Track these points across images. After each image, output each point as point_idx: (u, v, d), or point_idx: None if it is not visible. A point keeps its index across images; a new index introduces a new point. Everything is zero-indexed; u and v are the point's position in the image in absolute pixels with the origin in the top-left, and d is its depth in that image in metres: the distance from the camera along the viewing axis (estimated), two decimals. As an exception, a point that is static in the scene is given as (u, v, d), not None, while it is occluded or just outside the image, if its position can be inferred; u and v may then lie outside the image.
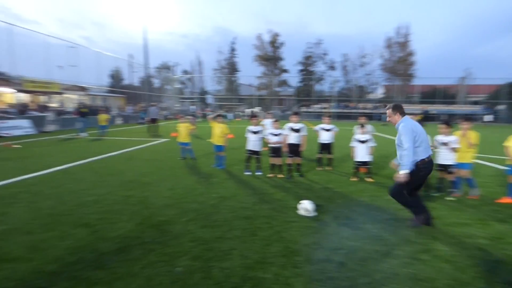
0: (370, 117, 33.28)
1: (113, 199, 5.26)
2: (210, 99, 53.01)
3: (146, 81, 39.92)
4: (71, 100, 30.92)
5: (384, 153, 10.23)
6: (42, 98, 27.52)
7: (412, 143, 3.93)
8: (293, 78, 49.96)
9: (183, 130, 9.04)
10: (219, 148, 7.90)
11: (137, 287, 2.80)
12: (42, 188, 5.90)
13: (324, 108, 40.95)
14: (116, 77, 49.46)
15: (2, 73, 29.28)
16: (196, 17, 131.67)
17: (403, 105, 4.36)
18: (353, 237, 3.91)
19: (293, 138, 6.88)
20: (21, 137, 15.15)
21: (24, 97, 25.30)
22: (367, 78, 47.03)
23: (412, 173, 3.98)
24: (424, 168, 4.02)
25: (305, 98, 44.75)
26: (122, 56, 32.72)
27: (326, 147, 7.98)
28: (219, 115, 8.20)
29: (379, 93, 48.92)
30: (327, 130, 7.94)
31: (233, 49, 52.69)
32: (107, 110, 20.08)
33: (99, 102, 34.26)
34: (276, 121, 7.26)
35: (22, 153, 10.08)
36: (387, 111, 4.28)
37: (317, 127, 8.10)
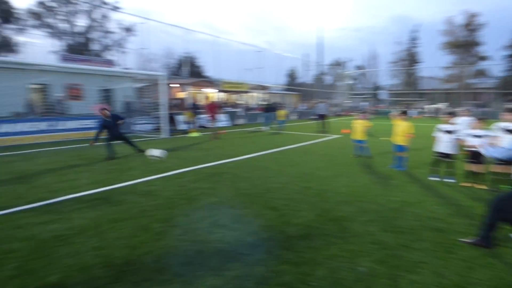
0: None
1: (294, 189, 5.69)
2: (383, 95, 49.66)
3: (319, 78, 41.28)
4: (255, 98, 35.61)
5: None
6: (234, 96, 33.04)
7: None
8: (496, 67, 40.15)
9: (358, 127, 8.80)
10: (400, 148, 7.23)
11: (321, 275, 2.90)
12: (238, 171, 7.06)
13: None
14: (291, 76, 53.51)
15: (208, 77, 36.73)
16: (370, 8, 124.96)
17: None
18: None
19: (507, 142, 5.47)
20: (220, 128, 18.67)
21: (223, 96, 31.01)
22: None
23: None
24: None
25: (512, 92, 35.15)
26: (298, 56, 35.05)
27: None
28: (403, 112, 7.49)
29: None
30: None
31: (414, 38, 47.35)
32: (285, 106, 22.06)
33: (277, 99, 38.07)
34: (479, 119, 5.97)
35: (223, 142, 12.42)
36: None
37: None
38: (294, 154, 9.48)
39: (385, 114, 28.87)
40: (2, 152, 9.47)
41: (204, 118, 19.01)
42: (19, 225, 3.92)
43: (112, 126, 8.44)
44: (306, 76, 47.92)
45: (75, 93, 17.92)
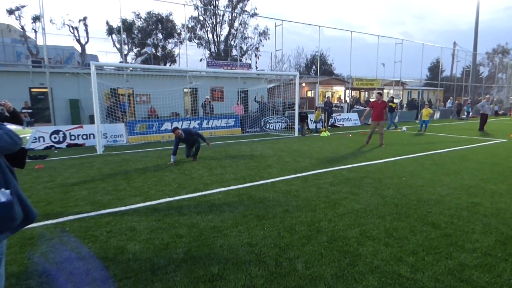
0: None
1: (457, 203, 4.72)
2: None
3: (472, 70, 34.82)
4: (389, 95, 32.64)
5: None
6: (364, 94, 31.13)
7: None
8: None
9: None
10: None
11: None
12: (380, 176, 6.40)
13: None
14: (435, 69, 46.97)
15: (338, 75, 35.73)
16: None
17: None
18: None
19: None
20: (351, 127, 17.78)
21: (353, 94, 29.61)
22: None
23: None
24: None
25: None
26: (443, 46, 30.05)
27: None
28: None
29: None
30: None
31: None
32: (430, 104, 19.43)
33: (415, 96, 33.88)
34: None
35: (356, 142, 11.70)
36: None
37: None
38: (448, 160, 8.04)
39: None
40: (162, 147, 11.37)
41: (335, 117, 18.50)
42: (183, 212, 4.47)
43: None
44: (454, 69, 41.07)
45: (217, 95, 20.15)
